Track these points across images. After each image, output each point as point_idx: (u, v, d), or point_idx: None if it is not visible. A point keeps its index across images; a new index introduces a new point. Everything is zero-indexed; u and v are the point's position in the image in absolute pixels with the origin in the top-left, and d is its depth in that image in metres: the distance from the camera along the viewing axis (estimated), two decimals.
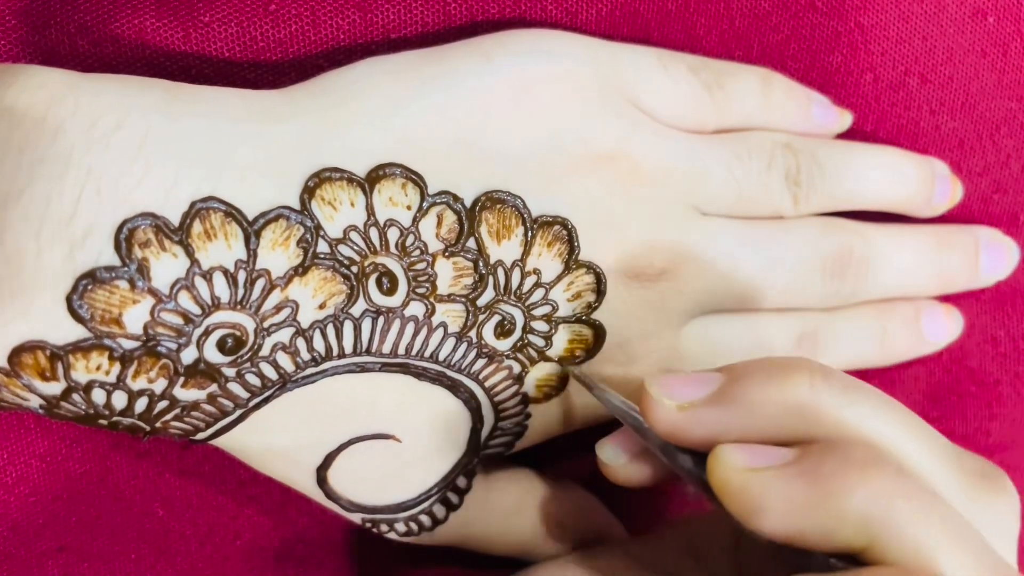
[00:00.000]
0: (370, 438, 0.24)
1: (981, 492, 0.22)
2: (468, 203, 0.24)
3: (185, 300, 0.21)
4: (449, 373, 0.25)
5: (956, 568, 0.19)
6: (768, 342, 0.28)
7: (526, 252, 0.24)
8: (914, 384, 0.32)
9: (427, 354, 0.24)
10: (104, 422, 0.22)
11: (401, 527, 0.26)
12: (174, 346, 0.21)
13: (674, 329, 0.27)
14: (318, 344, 0.23)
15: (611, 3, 0.27)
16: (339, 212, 0.22)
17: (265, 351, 0.22)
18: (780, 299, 0.28)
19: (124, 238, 0.20)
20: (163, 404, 0.22)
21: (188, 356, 0.22)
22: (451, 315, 0.24)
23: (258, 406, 0.23)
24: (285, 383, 0.23)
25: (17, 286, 0.20)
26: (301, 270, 0.22)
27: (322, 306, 0.23)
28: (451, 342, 0.24)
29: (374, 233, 0.23)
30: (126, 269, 0.20)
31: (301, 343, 0.23)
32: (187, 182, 0.21)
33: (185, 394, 0.22)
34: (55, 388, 0.21)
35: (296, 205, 0.22)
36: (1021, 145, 0.31)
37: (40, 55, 0.25)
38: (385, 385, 0.24)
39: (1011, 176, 0.32)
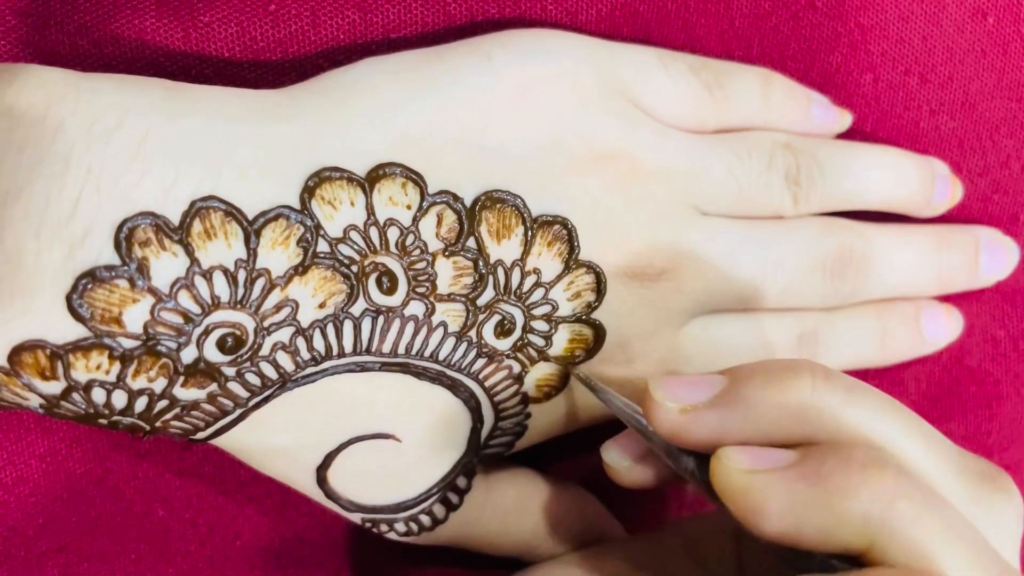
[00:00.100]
0: (370, 438, 0.24)
1: (983, 493, 0.22)
2: (468, 202, 0.24)
3: (185, 299, 0.21)
4: (449, 373, 0.25)
5: (957, 568, 0.19)
6: (768, 342, 0.28)
7: (526, 252, 0.24)
8: (914, 384, 0.32)
9: (427, 353, 0.24)
10: (104, 421, 0.22)
11: (401, 527, 0.26)
12: (174, 345, 0.21)
13: (674, 329, 0.27)
14: (318, 343, 0.23)
15: (611, 3, 0.27)
16: (339, 211, 0.22)
17: (265, 350, 0.22)
18: (780, 299, 0.28)
19: (124, 237, 0.20)
20: (163, 403, 0.22)
21: (188, 355, 0.22)
22: (451, 315, 0.24)
23: (258, 405, 0.23)
24: (285, 382, 0.23)
25: (17, 285, 0.20)
26: (301, 269, 0.22)
27: (322, 305, 0.23)
28: (451, 342, 0.24)
29: (374, 232, 0.23)
30: (126, 268, 0.20)
31: (301, 342, 0.23)
32: (187, 181, 0.21)
33: (185, 393, 0.22)
34: (55, 387, 0.21)
35: (296, 204, 0.22)
36: (1021, 145, 0.31)
37: (40, 55, 0.25)
38: (385, 385, 0.24)
39: (1011, 176, 0.32)
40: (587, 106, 0.25)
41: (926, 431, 0.22)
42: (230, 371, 0.22)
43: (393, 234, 0.23)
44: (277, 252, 0.22)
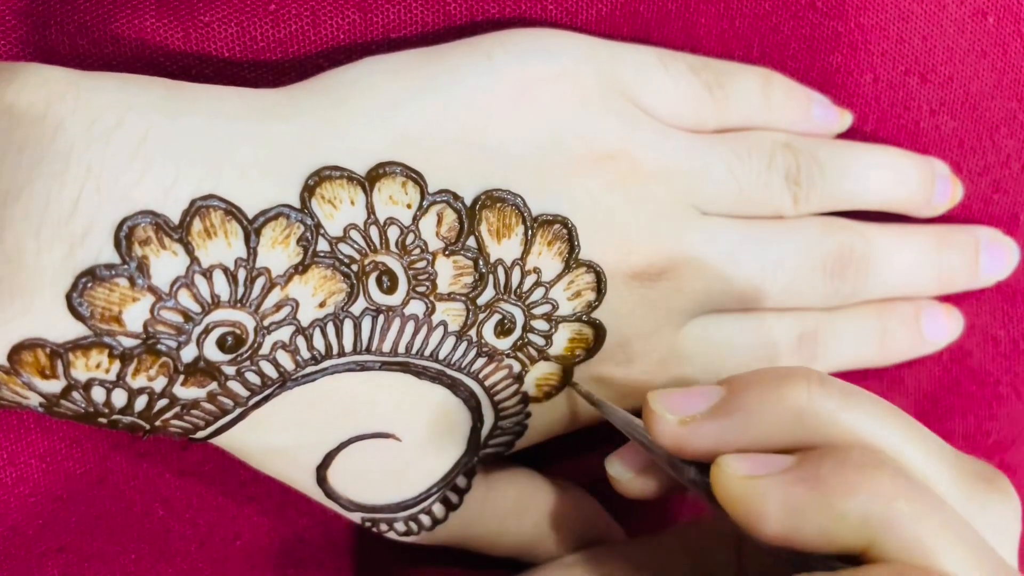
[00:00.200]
0: (370, 437, 0.24)
1: (981, 495, 0.22)
2: (468, 202, 0.24)
3: (185, 298, 0.21)
4: (449, 372, 0.25)
5: (956, 565, 0.19)
6: (768, 342, 0.28)
7: (526, 251, 0.24)
8: (914, 384, 0.32)
9: (427, 353, 0.24)
10: (104, 420, 0.22)
11: (401, 526, 0.26)
12: (174, 344, 0.21)
13: (674, 328, 0.27)
14: (318, 342, 0.23)
15: (611, 3, 0.27)
16: (339, 210, 0.22)
17: (265, 349, 0.22)
18: (780, 299, 0.28)
19: (124, 236, 0.20)
20: (163, 402, 0.22)
21: (188, 354, 0.22)
22: (451, 314, 0.24)
23: (258, 404, 0.23)
24: (285, 381, 0.23)
25: (17, 284, 0.20)
26: (301, 268, 0.22)
27: (322, 304, 0.23)
28: (451, 341, 0.24)
29: (374, 231, 0.23)
30: (126, 267, 0.20)
31: (301, 341, 0.23)
32: (187, 180, 0.21)
33: (185, 392, 0.22)
34: (55, 386, 0.21)
35: (296, 203, 0.22)
36: (1021, 145, 0.31)
37: (40, 55, 0.25)
38: (385, 384, 0.24)
39: (1011, 176, 0.32)
40: (587, 106, 0.25)
41: (922, 434, 0.22)
42: (230, 370, 0.22)
43: (393, 233, 0.23)
44: (277, 251, 0.22)
